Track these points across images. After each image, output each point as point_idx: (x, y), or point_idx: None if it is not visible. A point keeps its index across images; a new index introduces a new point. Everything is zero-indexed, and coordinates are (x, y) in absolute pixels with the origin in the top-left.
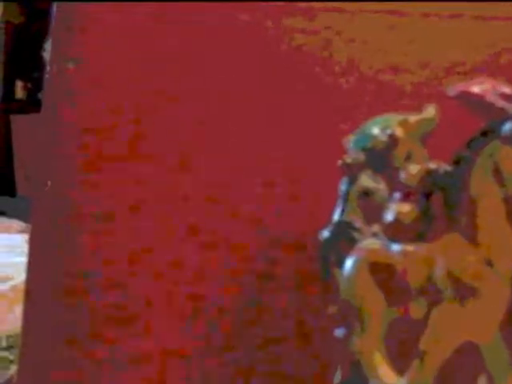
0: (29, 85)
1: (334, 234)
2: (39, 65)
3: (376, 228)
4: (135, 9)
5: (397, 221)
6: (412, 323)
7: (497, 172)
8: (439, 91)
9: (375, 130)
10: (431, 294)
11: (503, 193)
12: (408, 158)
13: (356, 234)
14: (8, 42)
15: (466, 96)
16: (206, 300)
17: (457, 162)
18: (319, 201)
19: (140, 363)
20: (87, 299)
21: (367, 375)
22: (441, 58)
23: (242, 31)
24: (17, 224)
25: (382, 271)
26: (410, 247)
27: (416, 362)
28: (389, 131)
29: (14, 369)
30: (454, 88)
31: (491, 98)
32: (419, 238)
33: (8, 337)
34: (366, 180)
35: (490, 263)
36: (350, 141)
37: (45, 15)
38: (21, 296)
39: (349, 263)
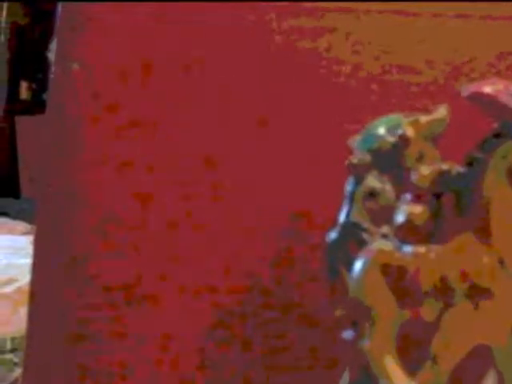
0: (33, 85)
1: (341, 235)
2: (44, 65)
3: (386, 229)
4: (140, 9)
5: (408, 222)
6: (422, 325)
7: (510, 173)
8: (447, 91)
9: (381, 131)
10: (444, 295)
11: None
12: (419, 158)
13: (365, 235)
14: (13, 43)
15: (478, 96)
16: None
17: (469, 164)
18: (325, 202)
19: (146, 364)
20: (92, 301)
21: (378, 378)
22: (448, 58)
23: (247, 32)
24: (21, 225)
25: (392, 273)
26: (421, 249)
27: (428, 365)
28: (400, 131)
29: (18, 371)
30: (466, 88)
31: (504, 98)
32: (430, 239)
33: (13, 339)
34: (372, 181)
35: (503, 264)
36: (355, 141)
37: (50, 16)
38: (25, 298)
39: (359, 265)
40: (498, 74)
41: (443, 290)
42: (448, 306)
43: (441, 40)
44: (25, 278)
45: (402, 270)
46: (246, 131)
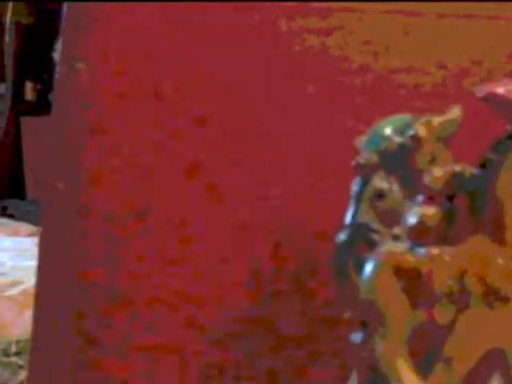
0: (39, 86)
1: (350, 237)
2: (49, 66)
3: (397, 230)
4: (145, 9)
5: (421, 224)
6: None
7: None
8: (455, 92)
9: (388, 131)
10: (458, 298)
11: None
12: (432, 160)
13: (375, 236)
14: (17, 43)
15: (492, 97)
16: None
17: (483, 165)
18: (333, 201)
19: (152, 362)
20: (97, 304)
21: (390, 381)
22: (456, 58)
23: (254, 31)
24: (26, 227)
25: (405, 275)
26: (435, 250)
27: (441, 367)
28: (410, 132)
29: (23, 374)
30: (480, 89)
31: None
32: (443, 240)
33: (17, 342)
34: (379, 181)
35: None
36: (362, 142)
37: (55, 16)
38: (31, 300)
39: (370, 266)
40: (507, 74)
41: (458, 293)
42: (462, 308)
43: (449, 40)
44: (30, 281)
45: (414, 272)
46: (250, 131)
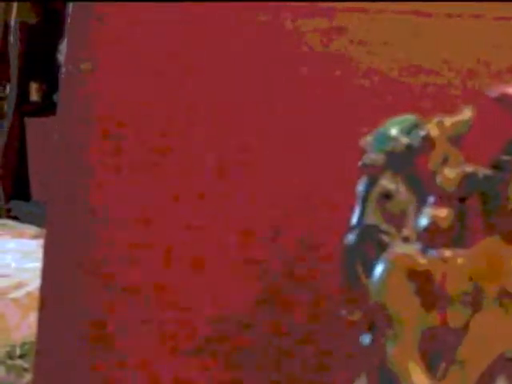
0: (43, 87)
1: (360, 238)
2: (54, 66)
3: (407, 232)
4: (150, 9)
5: (433, 225)
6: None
7: None
8: (463, 93)
9: (394, 131)
10: (472, 300)
11: None
12: (444, 161)
13: (384, 237)
14: (22, 43)
15: (504, 98)
16: None
17: (496, 166)
18: (339, 203)
19: (155, 371)
20: (103, 305)
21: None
22: (465, 59)
23: (260, 32)
24: (31, 229)
25: (417, 277)
26: (448, 252)
27: (454, 370)
28: (422, 132)
29: (28, 377)
30: (493, 90)
31: None
32: (455, 242)
33: (22, 345)
34: (386, 182)
35: None
36: (368, 142)
37: (60, 16)
38: (35, 303)
39: (381, 268)
40: None
41: (472, 295)
42: (476, 310)
43: (457, 41)
44: (35, 283)
45: (426, 275)
46: (255, 133)
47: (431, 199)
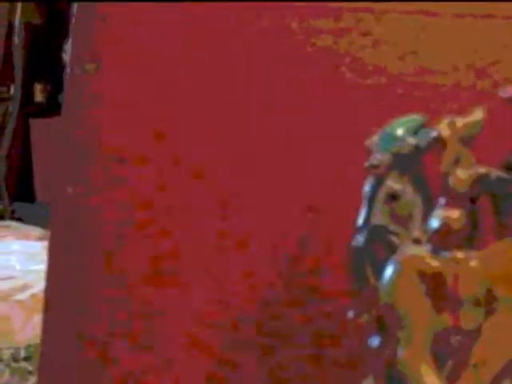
0: (48, 87)
1: (368, 240)
2: (59, 67)
3: (417, 233)
4: (156, 10)
5: (445, 227)
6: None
7: None
8: (471, 93)
9: (400, 131)
10: (485, 303)
11: None
12: (456, 162)
13: (393, 238)
14: (27, 44)
15: None
16: None
17: (509, 168)
18: (347, 204)
19: (159, 372)
20: (107, 308)
21: None
22: (472, 59)
23: (267, 32)
24: (36, 231)
25: (428, 279)
26: (460, 254)
27: (468, 373)
28: (434, 133)
29: (32, 380)
30: (505, 90)
31: None
32: (467, 244)
33: (27, 347)
34: (393, 182)
35: None
36: (374, 142)
37: (64, 16)
38: (40, 305)
39: (391, 270)
40: None
41: (485, 297)
42: (489, 313)
43: (466, 41)
44: (39, 285)
45: (438, 277)
46: (263, 135)
47: (442, 200)
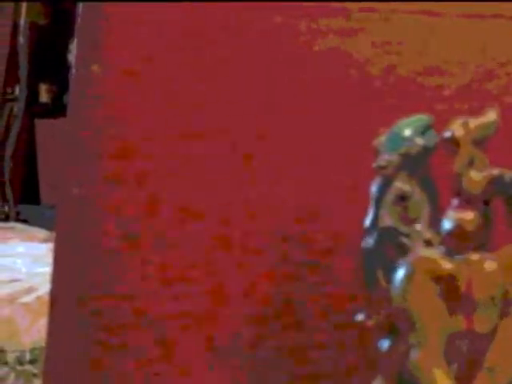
0: (53, 88)
1: (379, 241)
2: (64, 67)
3: (429, 235)
4: (161, 10)
5: (458, 228)
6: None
7: None
8: (479, 94)
9: (408, 132)
10: (500, 305)
11: None
12: (470, 163)
13: (404, 240)
14: (32, 44)
15: None
16: None
17: None
18: (356, 205)
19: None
20: (113, 311)
21: None
22: (481, 60)
23: (275, 32)
24: (41, 233)
25: (441, 281)
26: (474, 256)
27: (483, 376)
28: (448, 134)
29: (37, 383)
30: None
31: None
32: (480, 246)
33: (32, 350)
34: (401, 183)
35: None
36: (381, 143)
37: (70, 16)
38: (46, 307)
39: (404, 272)
40: None
41: (500, 300)
42: (504, 315)
43: (474, 42)
44: (45, 287)
45: (452, 279)
46: (271, 132)
47: (455, 202)
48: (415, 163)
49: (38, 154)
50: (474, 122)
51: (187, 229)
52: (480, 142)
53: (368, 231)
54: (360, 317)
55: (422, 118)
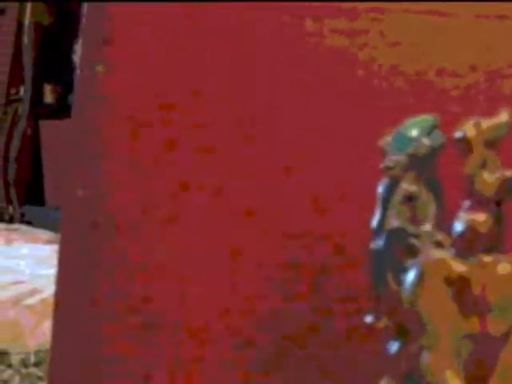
0: (58, 88)
1: (388, 242)
2: (69, 68)
3: (440, 236)
4: (166, 10)
5: (470, 230)
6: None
7: None
8: (486, 94)
9: (414, 132)
10: None
11: None
12: (482, 165)
13: (414, 241)
14: (36, 44)
15: None
16: None
17: None
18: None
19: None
20: (118, 313)
21: None
22: (488, 60)
23: (282, 32)
24: (46, 234)
25: (454, 283)
26: (487, 258)
27: (496, 379)
28: (460, 134)
29: None
30: None
31: None
32: (492, 248)
33: (37, 352)
34: (408, 184)
35: None
36: (388, 143)
37: (74, 16)
38: (50, 309)
39: (415, 274)
40: None
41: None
42: None
43: (483, 42)
44: (49, 289)
45: (464, 281)
46: (276, 133)
47: (466, 203)
48: (422, 164)
49: (42, 155)
50: (486, 123)
51: (197, 229)
52: (492, 143)
53: (376, 232)
54: (369, 319)
55: (427, 119)
